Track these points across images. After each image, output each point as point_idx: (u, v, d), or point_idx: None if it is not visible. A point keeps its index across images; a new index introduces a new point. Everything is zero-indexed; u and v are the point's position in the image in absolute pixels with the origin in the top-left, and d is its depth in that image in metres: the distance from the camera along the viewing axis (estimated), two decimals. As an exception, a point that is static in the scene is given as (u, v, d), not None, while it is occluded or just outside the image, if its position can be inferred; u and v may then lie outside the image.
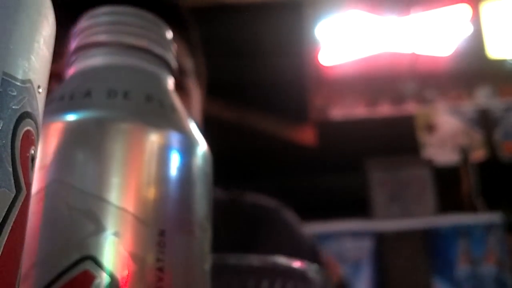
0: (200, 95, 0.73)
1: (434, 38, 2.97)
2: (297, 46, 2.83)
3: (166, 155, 0.28)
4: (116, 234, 0.25)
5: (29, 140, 0.19)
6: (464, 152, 2.40)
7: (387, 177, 2.24)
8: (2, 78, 0.18)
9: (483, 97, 2.78)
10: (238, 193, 0.84)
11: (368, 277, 2.06)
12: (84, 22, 0.32)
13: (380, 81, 2.86)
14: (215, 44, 2.50)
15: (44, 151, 0.27)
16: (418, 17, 2.97)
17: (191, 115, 0.65)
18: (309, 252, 0.78)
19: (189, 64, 0.68)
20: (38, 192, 0.26)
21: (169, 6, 0.68)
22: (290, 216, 0.85)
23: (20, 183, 0.18)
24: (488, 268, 2.05)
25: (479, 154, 2.54)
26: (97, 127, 0.27)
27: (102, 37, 0.31)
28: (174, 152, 0.29)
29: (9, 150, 0.18)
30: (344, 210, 2.12)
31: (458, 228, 2.09)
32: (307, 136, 2.69)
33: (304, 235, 0.83)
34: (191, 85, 0.69)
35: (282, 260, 0.43)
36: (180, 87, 0.67)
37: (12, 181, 0.18)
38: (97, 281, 0.25)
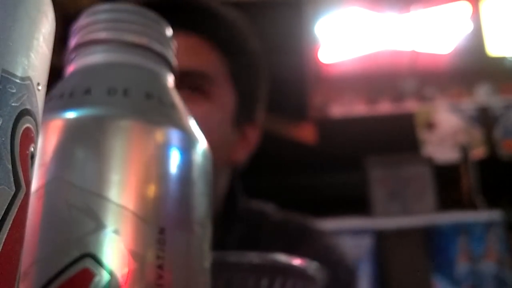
0: (234, 102, 0.71)
1: (434, 36, 2.97)
2: (297, 44, 2.82)
3: (166, 152, 0.28)
4: (116, 231, 0.25)
5: (29, 138, 0.19)
6: (464, 150, 2.40)
7: (387, 175, 2.24)
8: (2, 75, 0.17)
9: (483, 95, 2.78)
10: (290, 214, 0.84)
11: (368, 275, 2.06)
12: (83, 19, 0.32)
13: (380, 79, 2.86)
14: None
15: (44, 149, 0.27)
16: (418, 14, 2.96)
17: (208, 122, 0.63)
18: (346, 273, 0.78)
19: (214, 68, 0.69)
20: (37, 190, 0.26)
21: (191, 7, 0.70)
22: (330, 239, 0.85)
23: (20, 181, 0.18)
24: (488, 266, 2.05)
25: (479, 152, 2.54)
26: (97, 125, 0.27)
27: (102, 35, 0.31)
28: (174, 149, 0.29)
29: (9, 148, 0.18)
30: (343, 208, 2.12)
31: (458, 226, 2.09)
32: (306, 134, 2.68)
33: (342, 256, 0.82)
34: (216, 91, 0.69)
35: (282, 257, 0.43)
36: (201, 91, 0.67)
37: (12, 178, 0.18)
38: (96, 278, 0.25)
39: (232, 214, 0.75)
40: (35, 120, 0.19)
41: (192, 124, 0.31)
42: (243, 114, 0.74)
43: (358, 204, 2.19)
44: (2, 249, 0.17)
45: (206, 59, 0.69)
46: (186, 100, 0.68)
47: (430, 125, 2.64)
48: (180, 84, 0.67)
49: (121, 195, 0.26)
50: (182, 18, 0.64)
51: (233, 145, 0.73)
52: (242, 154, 0.76)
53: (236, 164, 0.76)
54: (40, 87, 0.20)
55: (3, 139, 0.17)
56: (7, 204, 0.17)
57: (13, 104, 0.18)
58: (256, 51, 0.77)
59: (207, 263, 0.29)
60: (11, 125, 0.18)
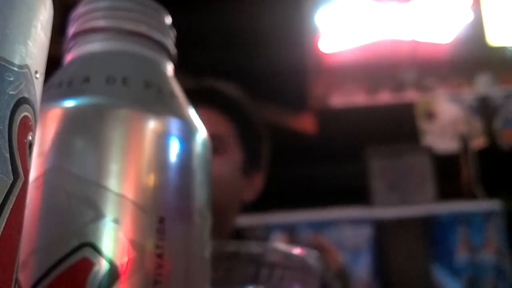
0: (241, 157, 0.93)
1: (434, 25, 2.96)
2: (297, 34, 2.81)
3: (166, 141, 0.28)
4: (115, 221, 0.25)
5: (27, 126, 0.19)
6: (464, 140, 2.40)
7: (387, 165, 2.24)
8: (-1, 63, 0.17)
9: (483, 85, 2.77)
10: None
11: (368, 265, 2.06)
12: (82, 7, 0.32)
13: (380, 69, 2.86)
14: (214, 34, 2.49)
15: (43, 138, 0.27)
16: (419, 4, 2.95)
17: (220, 171, 0.84)
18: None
19: (226, 133, 0.92)
20: (36, 179, 0.26)
21: (217, 94, 0.95)
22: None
23: (18, 170, 0.18)
24: (487, 256, 2.05)
25: (479, 142, 2.54)
26: (96, 114, 0.27)
27: (100, 23, 0.31)
28: (173, 138, 0.28)
29: (6, 137, 0.17)
30: (343, 198, 2.12)
31: (457, 216, 2.10)
32: (307, 124, 2.68)
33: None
34: (226, 147, 0.91)
35: (281, 247, 0.43)
36: (214, 149, 0.79)
37: (10, 167, 0.17)
38: (96, 268, 0.24)
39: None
40: (33, 108, 0.19)
41: (192, 113, 0.31)
42: (251, 165, 0.96)
43: (358, 194, 2.20)
44: (0, 238, 0.17)
45: (222, 127, 0.91)
46: None
47: (430, 115, 2.64)
48: None
49: (121, 184, 0.26)
50: (210, 99, 0.91)
51: (242, 188, 0.95)
52: (250, 194, 0.98)
53: (244, 202, 0.96)
54: (38, 75, 0.20)
55: (1, 127, 0.17)
56: (5, 193, 0.17)
57: (10, 92, 0.18)
58: (258, 120, 1.03)
59: (206, 252, 0.29)
60: (8, 114, 0.18)
